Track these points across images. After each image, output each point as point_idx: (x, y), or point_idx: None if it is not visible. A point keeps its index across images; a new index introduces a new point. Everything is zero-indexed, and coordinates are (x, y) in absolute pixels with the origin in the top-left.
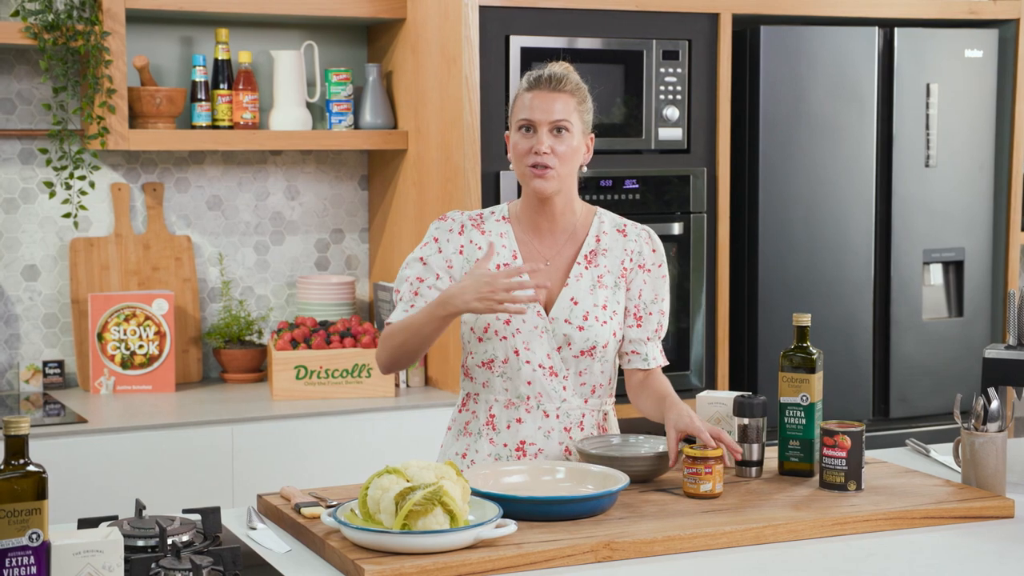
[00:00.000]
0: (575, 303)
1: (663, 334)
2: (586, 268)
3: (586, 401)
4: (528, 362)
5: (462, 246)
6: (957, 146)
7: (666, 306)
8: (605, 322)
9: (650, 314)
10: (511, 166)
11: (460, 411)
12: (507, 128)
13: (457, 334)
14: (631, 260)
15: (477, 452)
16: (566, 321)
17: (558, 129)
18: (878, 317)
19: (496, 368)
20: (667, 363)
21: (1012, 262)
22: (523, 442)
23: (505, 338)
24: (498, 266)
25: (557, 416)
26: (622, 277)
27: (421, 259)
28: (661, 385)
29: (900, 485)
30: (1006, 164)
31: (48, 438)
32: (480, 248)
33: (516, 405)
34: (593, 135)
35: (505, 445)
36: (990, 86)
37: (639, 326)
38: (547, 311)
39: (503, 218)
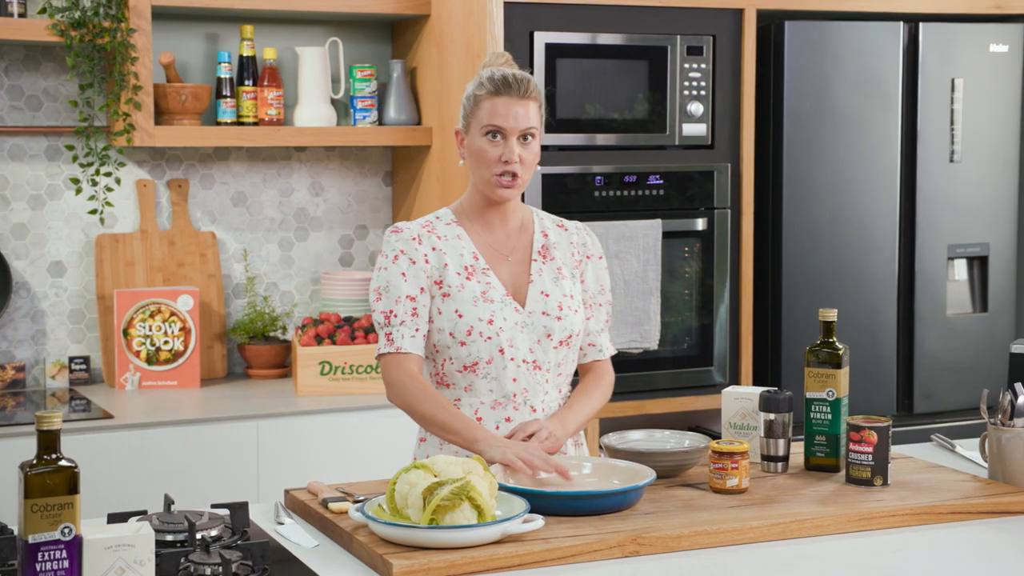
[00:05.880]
0: (546, 296)
1: (610, 323)
2: (543, 263)
3: (560, 391)
4: (512, 359)
5: (426, 254)
6: (982, 141)
7: (611, 296)
8: (576, 311)
9: (600, 305)
10: (463, 164)
11: None
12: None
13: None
14: (578, 252)
15: (468, 457)
16: (543, 313)
17: (525, 136)
18: (902, 313)
19: (480, 370)
20: (616, 352)
21: None
22: None
23: (489, 338)
24: (466, 267)
25: (543, 410)
26: (576, 268)
27: (403, 275)
28: (593, 378)
29: (926, 480)
30: None
31: (74, 434)
32: (445, 253)
33: (503, 404)
34: (543, 132)
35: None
36: (1015, 81)
37: (593, 317)
38: (522, 306)
39: (452, 222)
